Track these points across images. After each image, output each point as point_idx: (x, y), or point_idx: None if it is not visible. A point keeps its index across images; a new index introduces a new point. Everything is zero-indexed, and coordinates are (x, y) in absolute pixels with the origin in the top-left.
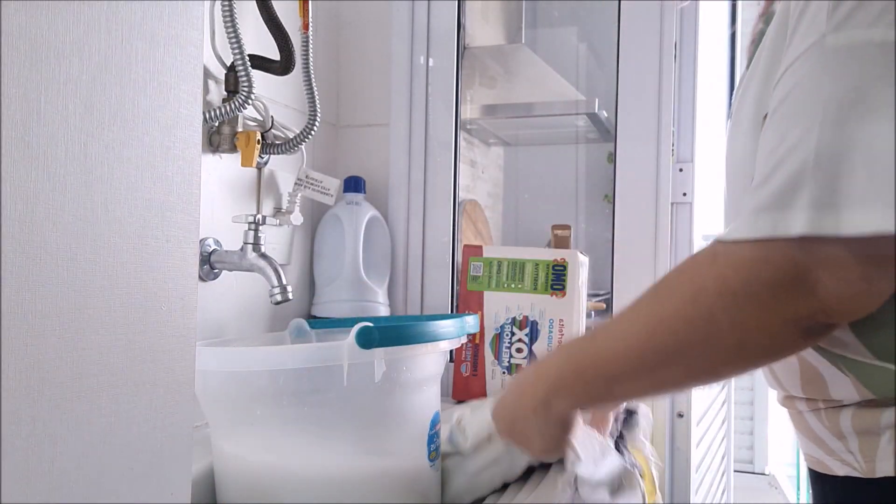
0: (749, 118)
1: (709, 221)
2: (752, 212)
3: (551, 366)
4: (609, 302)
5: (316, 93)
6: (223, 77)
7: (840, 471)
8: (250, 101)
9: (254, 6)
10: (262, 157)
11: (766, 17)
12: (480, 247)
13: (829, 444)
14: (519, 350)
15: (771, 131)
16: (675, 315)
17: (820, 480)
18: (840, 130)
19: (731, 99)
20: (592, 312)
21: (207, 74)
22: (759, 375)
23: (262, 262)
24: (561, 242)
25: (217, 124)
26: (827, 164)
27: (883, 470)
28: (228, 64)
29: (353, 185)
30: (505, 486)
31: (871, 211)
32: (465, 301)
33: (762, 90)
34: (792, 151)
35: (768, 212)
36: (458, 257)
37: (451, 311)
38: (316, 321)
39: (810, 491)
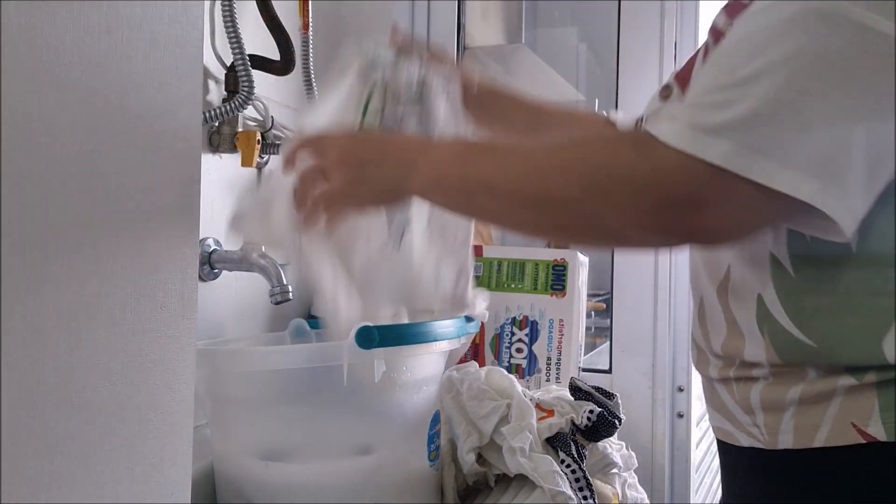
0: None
1: None
2: (688, 125)
3: (437, 148)
4: (609, 302)
5: (316, 93)
6: (223, 77)
7: (745, 442)
8: (250, 101)
9: (254, 6)
10: (262, 157)
11: None
12: (480, 247)
13: (737, 417)
14: (519, 350)
15: (726, 54)
16: (569, 165)
17: (727, 451)
18: (799, 90)
19: None
20: (592, 312)
21: (207, 74)
22: None
23: (262, 262)
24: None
25: (217, 124)
26: (776, 113)
27: (784, 442)
28: (228, 64)
29: None
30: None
31: (792, 171)
32: None
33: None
34: (744, 85)
35: (705, 133)
36: None
37: None
38: (316, 321)
39: (719, 460)
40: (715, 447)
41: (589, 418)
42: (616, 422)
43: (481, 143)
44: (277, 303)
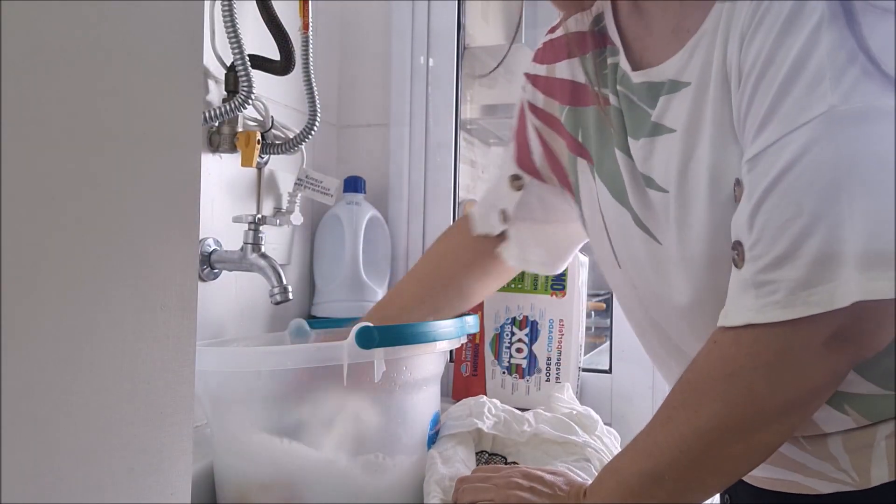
0: (704, 185)
1: None
2: (789, 290)
3: (602, 476)
4: (609, 302)
5: (316, 93)
6: (223, 77)
7: (826, 489)
8: (250, 101)
9: (254, 6)
10: (262, 157)
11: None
12: None
13: (811, 466)
14: (519, 350)
15: (779, 201)
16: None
17: (788, 502)
18: (874, 200)
19: None
20: (592, 312)
21: (207, 74)
22: None
23: (262, 262)
24: None
25: (217, 124)
26: (870, 231)
27: (879, 478)
28: (228, 64)
29: (353, 185)
30: None
31: None
32: None
33: (718, 156)
34: (818, 223)
35: (813, 287)
36: None
37: None
38: (316, 321)
39: None
40: None
41: None
42: None
43: (631, 446)
44: (277, 303)
